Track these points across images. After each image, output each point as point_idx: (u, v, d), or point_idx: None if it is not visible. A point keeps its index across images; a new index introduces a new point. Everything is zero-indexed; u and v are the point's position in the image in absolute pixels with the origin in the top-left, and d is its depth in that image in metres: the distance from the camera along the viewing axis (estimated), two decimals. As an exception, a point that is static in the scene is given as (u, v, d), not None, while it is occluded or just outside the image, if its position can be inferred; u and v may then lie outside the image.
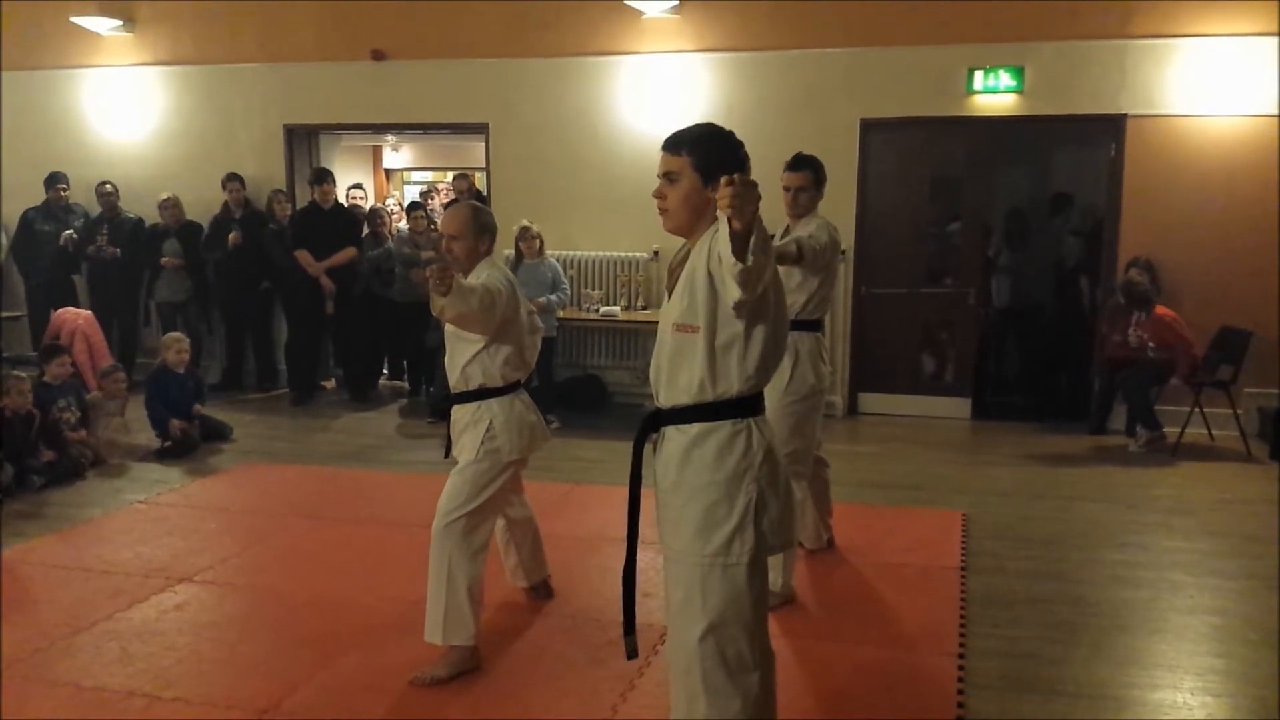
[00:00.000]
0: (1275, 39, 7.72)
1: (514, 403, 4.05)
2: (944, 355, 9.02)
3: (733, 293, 2.54)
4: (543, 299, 7.89)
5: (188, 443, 7.40)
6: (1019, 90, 8.23)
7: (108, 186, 9.84)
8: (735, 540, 2.70)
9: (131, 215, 9.89)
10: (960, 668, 4.07)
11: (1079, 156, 9.61)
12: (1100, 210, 8.72)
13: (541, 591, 4.69)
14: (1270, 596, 4.82)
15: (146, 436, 7.49)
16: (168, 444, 7.31)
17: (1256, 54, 7.79)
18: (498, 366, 4.00)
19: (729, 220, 2.38)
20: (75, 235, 9.75)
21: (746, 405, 2.74)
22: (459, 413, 4.08)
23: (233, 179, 9.52)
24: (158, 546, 5.44)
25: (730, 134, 2.77)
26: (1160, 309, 7.62)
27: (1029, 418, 8.57)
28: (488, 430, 3.98)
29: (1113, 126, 8.20)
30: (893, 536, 5.66)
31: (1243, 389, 7.81)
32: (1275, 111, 7.80)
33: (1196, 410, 7.59)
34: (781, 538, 2.80)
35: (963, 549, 5.45)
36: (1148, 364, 7.60)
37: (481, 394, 4.02)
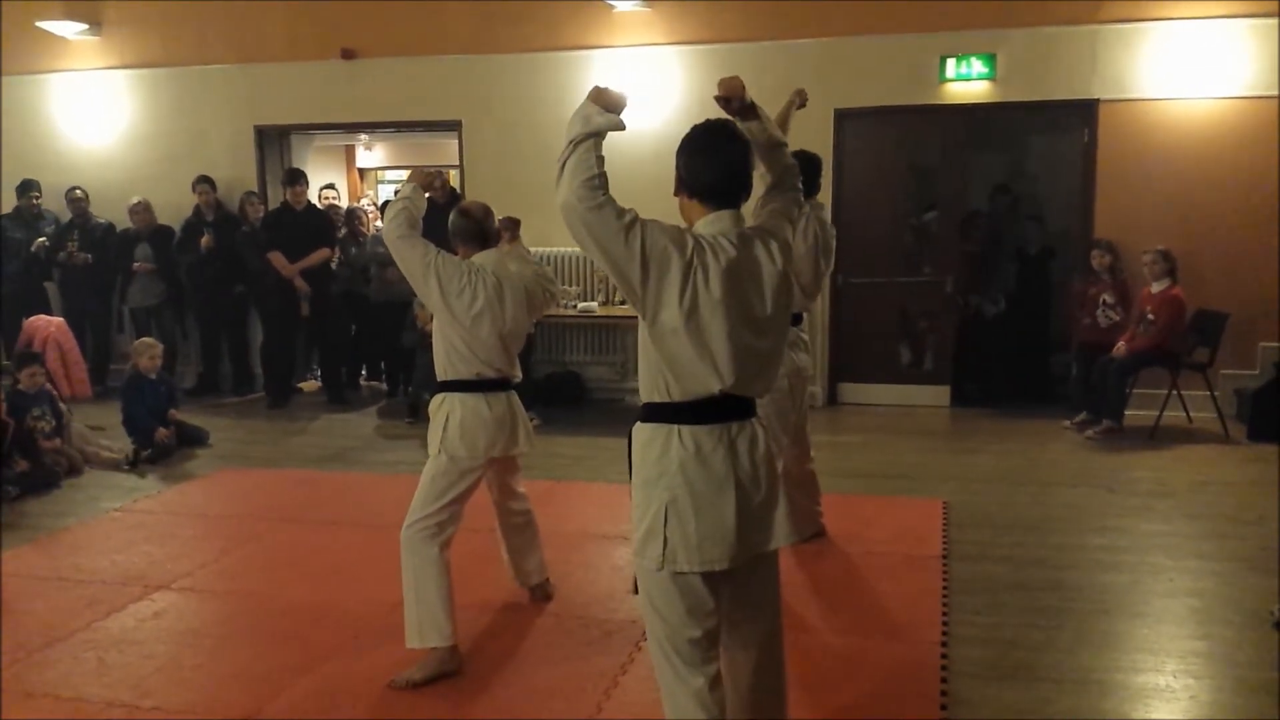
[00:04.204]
0: (1248, 21, 7.78)
1: (475, 402, 4.00)
2: (922, 344, 9.03)
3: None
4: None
5: (164, 449, 7.33)
6: (991, 78, 8.25)
7: (78, 192, 9.75)
8: (649, 543, 2.67)
9: (102, 220, 9.80)
10: (943, 655, 4.07)
11: (1053, 142, 9.64)
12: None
13: (539, 594, 4.64)
14: (1251, 577, 4.84)
15: (121, 443, 7.41)
16: (145, 451, 7.23)
17: (1226, 37, 7.83)
18: (443, 357, 4.04)
19: None
20: (46, 242, 9.66)
21: (668, 412, 2.67)
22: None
23: (202, 181, 9.44)
24: (135, 554, 5.38)
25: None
26: (1176, 289, 7.61)
27: (1007, 404, 8.58)
28: (444, 428, 4.00)
29: (1085, 112, 8.23)
30: (875, 526, 5.66)
31: (1219, 371, 7.85)
32: (1245, 94, 7.86)
33: (1174, 393, 7.62)
34: (702, 555, 2.62)
35: (944, 537, 5.45)
36: (1137, 352, 7.58)
37: (442, 386, 4.07)
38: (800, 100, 4.73)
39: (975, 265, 9.14)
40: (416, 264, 3.92)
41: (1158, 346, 7.53)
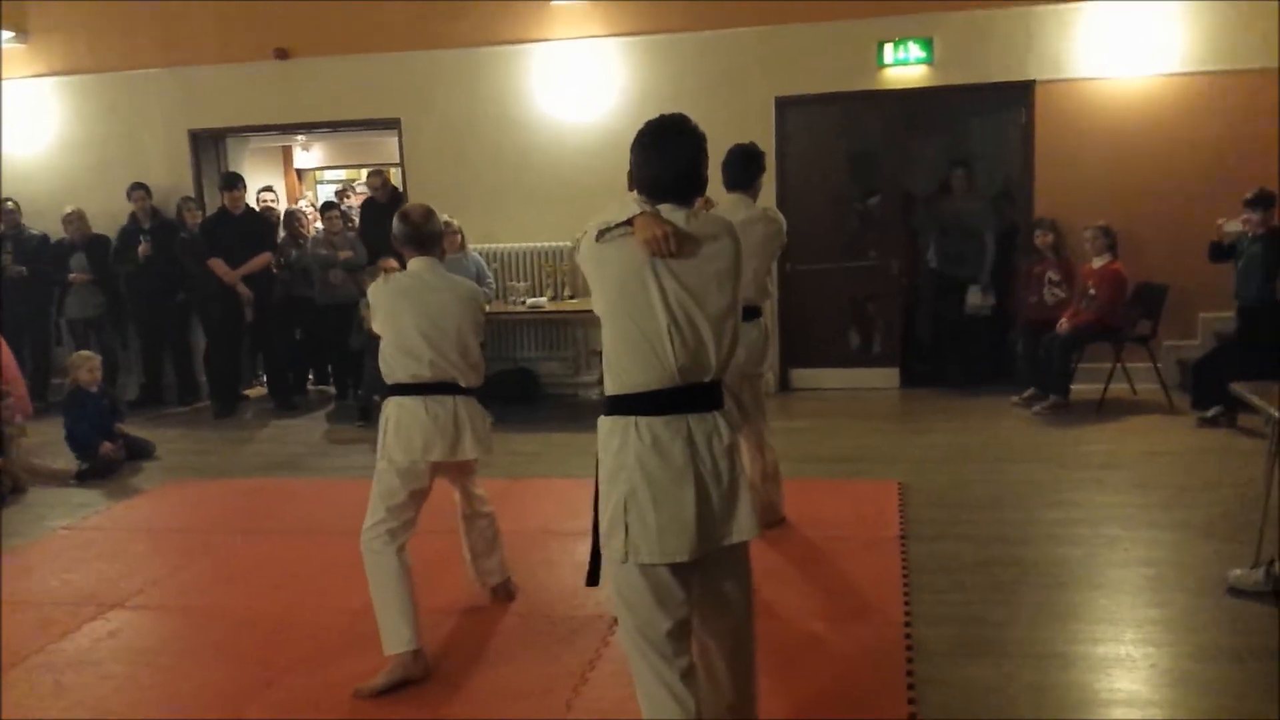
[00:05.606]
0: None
1: (412, 405, 3.98)
2: (870, 327, 9.09)
3: None
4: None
5: (110, 463, 7.19)
6: (929, 62, 8.33)
7: (9, 203, 9.52)
8: (612, 536, 2.68)
9: (36, 232, 9.57)
10: (908, 635, 4.10)
11: (991, 124, 9.72)
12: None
13: (501, 593, 4.62)
14: (1202, 544, 4.94)
15: (65, 460, 7.25)
16: (85, 466, 7.07)
17: (1157, 15, 7.96)
18: (382, 361, 4.05)
19: None
20: (-22, 256, 9.43)
21: (625, 404, 2.68)
22: None
23: (137, 188, 9.25)
24: (86, 573, 5.27)
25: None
26: (1116, 264, 7.73)
27: (955, 383, 8.66)
28: (383, 432, 4.01)
29: (1022, 93, 8.33)
30: (832, 509, 5.69)
31: (1162, 342, 7.99)
32: (1178, 70, 8.02)
33: (1119, 366, 7.74)
34: (663, 547, 2.63)
35: (901, 517, 5.50)
36: (1080, 326, 7.67)
37: (387, 390, 4.08)
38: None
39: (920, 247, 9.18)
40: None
41: (1100, 321, 7.64)
